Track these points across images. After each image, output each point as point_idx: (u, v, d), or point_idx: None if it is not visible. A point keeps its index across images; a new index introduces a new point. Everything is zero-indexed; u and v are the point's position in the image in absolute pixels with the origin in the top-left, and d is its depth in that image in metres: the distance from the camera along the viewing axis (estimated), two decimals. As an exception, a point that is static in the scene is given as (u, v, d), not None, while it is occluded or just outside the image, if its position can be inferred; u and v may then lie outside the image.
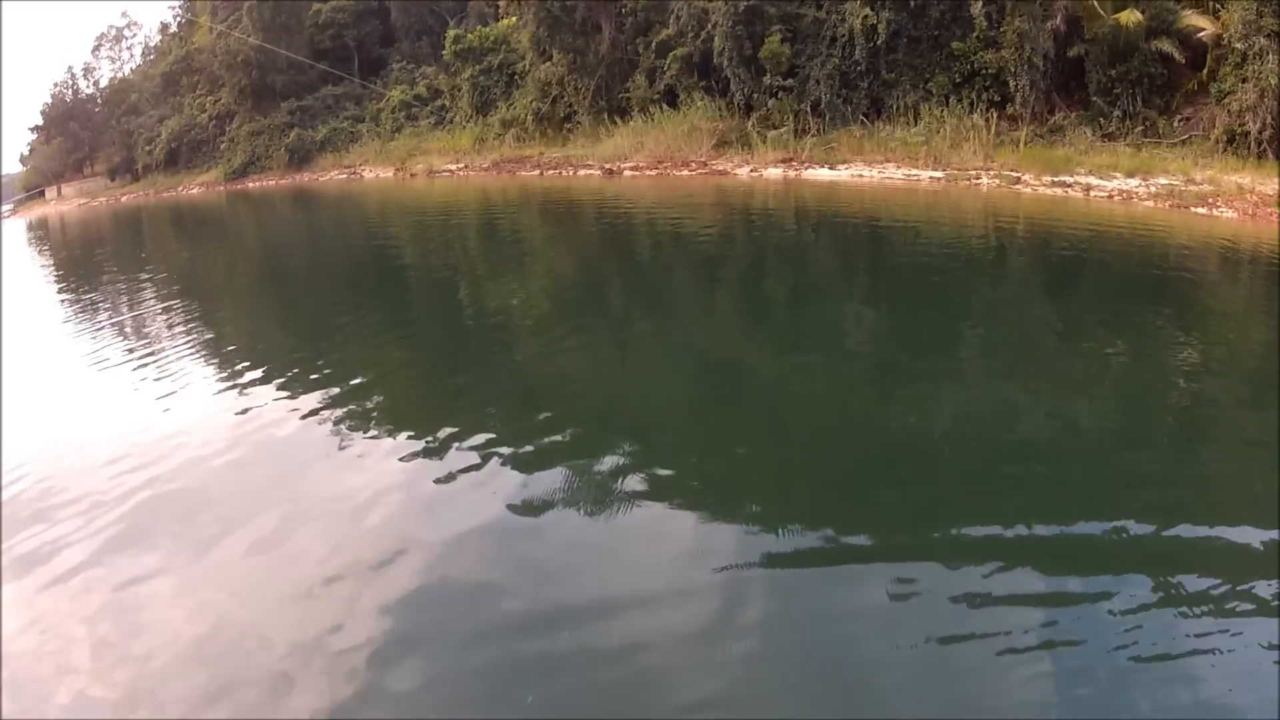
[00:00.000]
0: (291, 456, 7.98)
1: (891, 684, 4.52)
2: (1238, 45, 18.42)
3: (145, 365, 11.58)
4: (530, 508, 6.52)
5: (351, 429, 8.43)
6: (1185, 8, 20.58)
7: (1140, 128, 20.75)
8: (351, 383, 9.93)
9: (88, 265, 27.33)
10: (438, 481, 7.10)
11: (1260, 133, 18.00)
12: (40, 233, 48.36)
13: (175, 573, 6.08)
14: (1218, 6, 19.80)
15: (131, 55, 72.79)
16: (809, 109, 26.02)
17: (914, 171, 22.81)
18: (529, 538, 6.21)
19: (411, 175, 39.44)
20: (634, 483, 6.83)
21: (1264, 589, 4.95)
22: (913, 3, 23.98)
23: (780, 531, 5.96)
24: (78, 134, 68.77)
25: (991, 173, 21.36)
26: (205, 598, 5.71)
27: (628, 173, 29.37)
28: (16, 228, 56.53)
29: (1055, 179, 20.01)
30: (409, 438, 8.06)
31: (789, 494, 6.64)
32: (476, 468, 7.22)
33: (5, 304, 19.77)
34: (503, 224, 24.48)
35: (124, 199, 58.89)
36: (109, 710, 4.76)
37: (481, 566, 5.86)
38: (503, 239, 21.59)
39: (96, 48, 72.40)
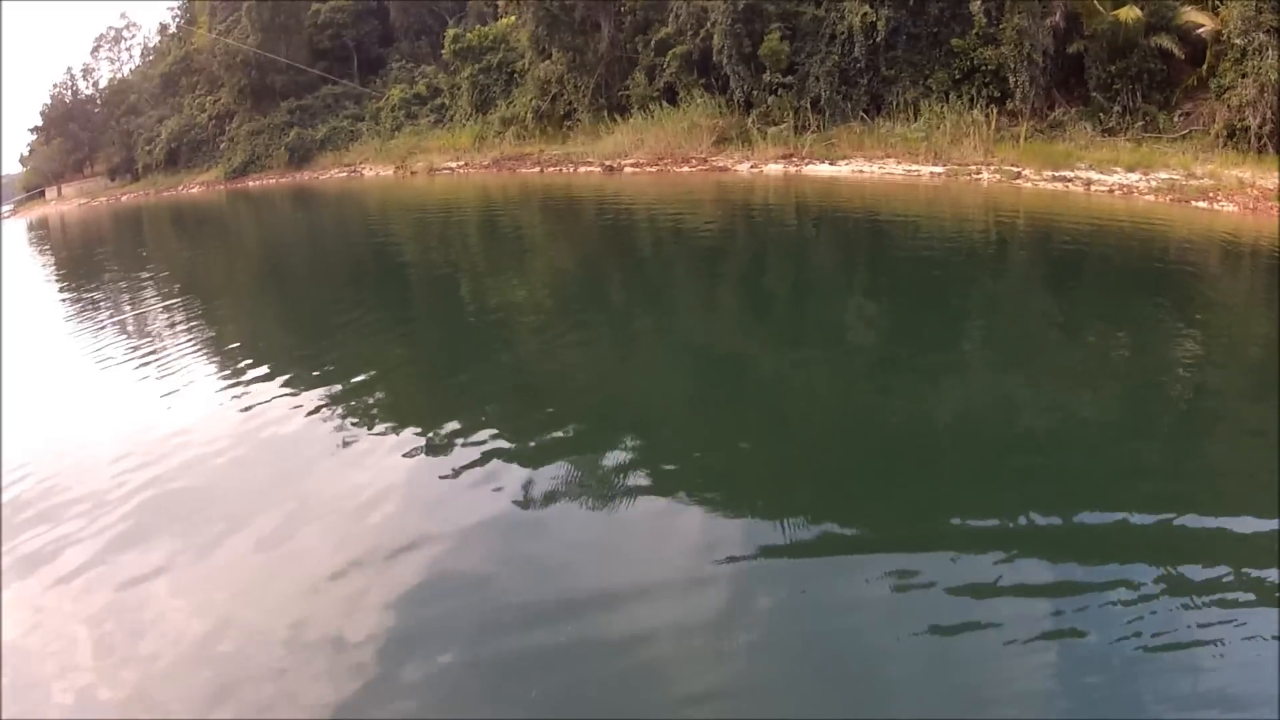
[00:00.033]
0: (294, 454, 7.99)
1: (896, 675, 4.54)
2: (1237, 41, 18.43)
3: (147, 364, 11.59)
4: (534, 503, 6.54)
5: (354, 426, 8.45)
6: (1184, 4, 20.57)
7: (1140, 123, 20.76)
8: (354, 380, 9.93)
9: (89, 264, 27.34)
10: (441, 478, 7.11)
11: (1260, 127, 18.01)
12: (41, 233, 48.36)
13: (178, 571, 6.09)
14: (1217, 2, 19.78)
15: (131, 56, 72.72)
16: (809, 105, 26.01)
17: (914, 167, 22.81)
18: (532, 533, 6.23)
19: (412, 173, 39.43)
20: (636, 477, 6.85)
21: (1268, 579, 4.96)
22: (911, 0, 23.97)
23: (783, 524, 5.96)
24: (77, 134, 68.69)
25: (992, 168, 21.37)
26: (209, 596, 5.72)
27: (628, 169, 29.37)
28: (17, 228, 56.53)
29: (1056, 174, 20.01)
30: (412, 434, 8.08)
31: (792, 487, 6.65)
32: (479, 463, 7.23)
33: (8, 303, 19.79)
34: (503, 221, 24.48)
35: (124, 199, 58.85)
36: (113, 711, 4.76)
37: (486, 562, 5.87)
38: (504, 236, 21.60)
39: (95, 49, 72.30)
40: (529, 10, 32.40)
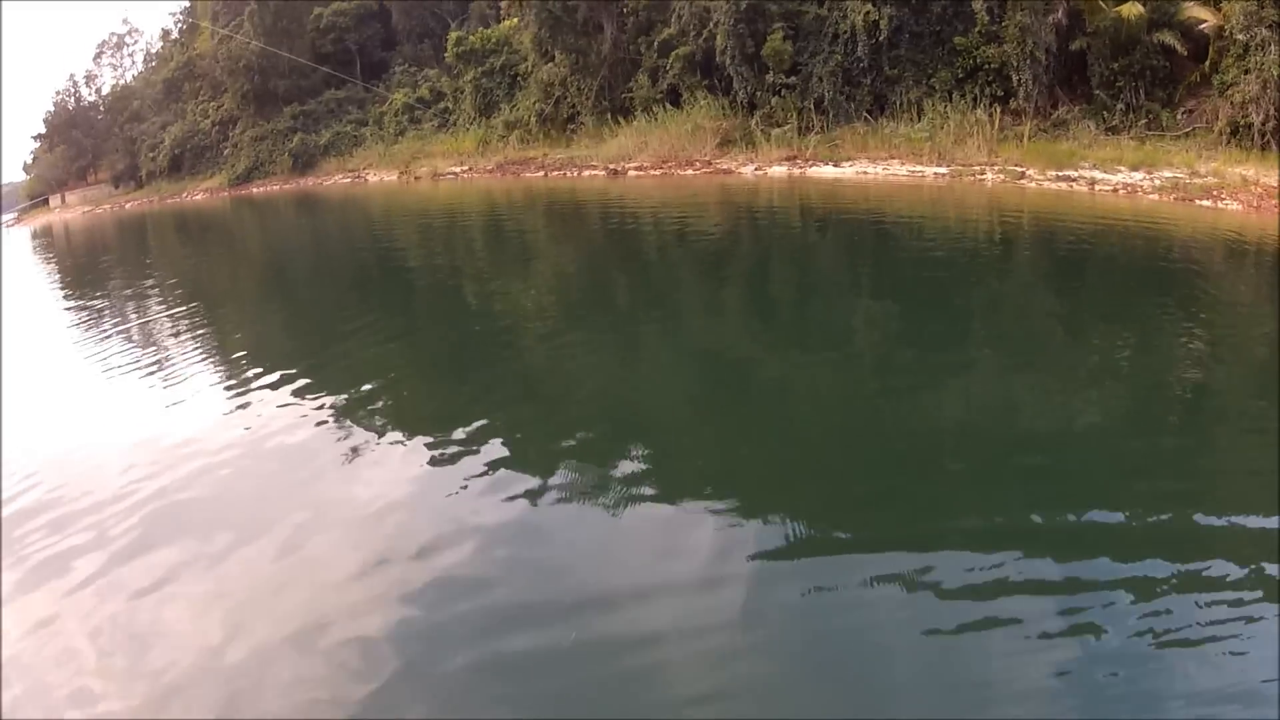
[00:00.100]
0: (303, 463, 7.99)
1: (903, 674, 4.56)
2: (1239, 37, 18.40)
3: (154, 372, 11.65)
4: (542, 507, 6.57)
5: (362, 434, 8.45)
6: (1186, 0, 20.55)
7: (1144, 121, 20.75)
8: (361, 387, 9.96)
9: (93, 272, 27.42)
10: (449, 484, 7.13)
11: (1264, 124, 17.98)
12: (45, 240, 48.53)
13: (187, 581, 6.09)
14: (1219, -2, 19.80)
15: (133, 62, 73.04)
16: (812, 106, 26.03)
17: (918, 168, 22.82)
18: (541, 537, 6.25)
19: (415, 178, 39.48)
20: (643, 480, 6.89)
21: (1276, 575, 4.98)
22: (914, -1, 24.02)
23: (790, 525, 5.99)
24: (81, 142, 68.92)
25: (996, 168, 21.37)
26: (218, 605, 5.73)
27: (632, 173, 29.40)
28: (21, 235, 56.74)
29: (1060, 173, 20.01)
30: (420, 441, 8.10)
31: (798, 488, 6.68)
32: (487, 469, 7.26)
33: (13, 312, 19.86)
34: (508, 226, 24.51)
35: (128, 206, 59.03)
36: (123, 716, 4.78)
37: (495, 566, 5.89)
38: (509, 241, 21.63)
39: (98, 55, 72.53)
40: (531, 12, 32.46)
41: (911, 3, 24.06)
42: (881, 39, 24.37)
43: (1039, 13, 21.73)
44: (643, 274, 15.73)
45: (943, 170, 22.25)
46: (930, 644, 4.71)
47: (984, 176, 21.31)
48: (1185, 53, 20.29)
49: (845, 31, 25.01)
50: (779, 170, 25.55)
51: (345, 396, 9.65)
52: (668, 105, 29.82)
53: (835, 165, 24.57)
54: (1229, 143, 18.68)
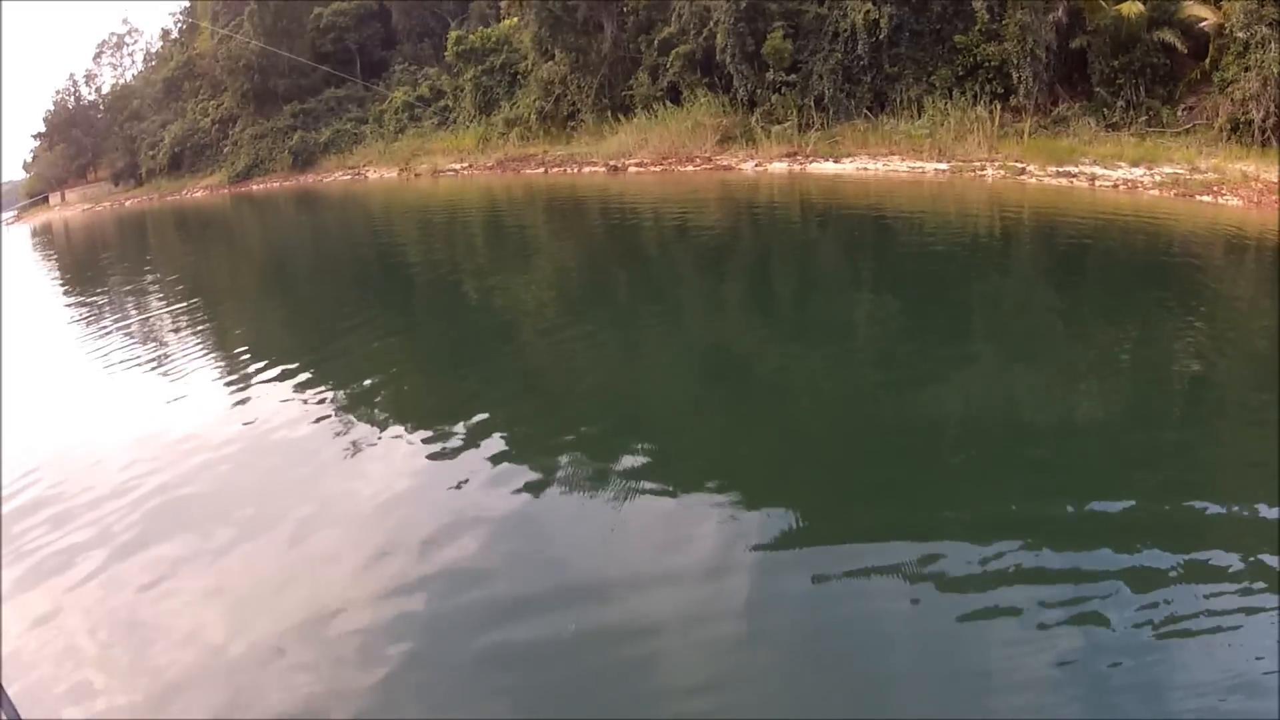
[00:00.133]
0: (303, 458, 8.02)
1: (905, 662, 4.58)
2: (1240, 34, 18.41)
3: (155, 369, 11.69)
4: (545, 500, 6.61)
5: (363, 429, 8.48)
6: (1186, -2, 20.59)
7: (1144, 117, 20.74)
8: (362, 383, 9.98)
9: (94, 269, 27.44)
10: (451, 478, 7.16)
11: (1264, 121, 17.99)
12: (45, 238, 48.51)
13: (189, 577, 6.11)
14: (1218, -4, 19.81)
15: (133, 61, 72.90)
16: (812, 103, 26.03)
17: (918, 164, 22.81)
18: (543, 529, 6.27)
19: (416, 175, 39.46)
20: (645, 472, 6.91)
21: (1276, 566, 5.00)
22: (914, -3, 24.03)
23: (794, 515, 6.01)
24: (81, 140, 68.83)
25: (996, 164, 21.37)
26: (220, 601, 5.75)
27: (632, 169, 29.40)
28: (21, 233, 56.71)
29: (1060, 169, 20.02)
30: (421, 435, 8.13)
31: (800, 479, 6.70)
32: (488, 463, 7.28)
33: (13, 309, 19.86)
34: (508, 222, 24.53)
35: (128, 203, 58.97)
36: (125, 713, 4.78)
37: (497, 559, 5.92)
38: (509, 237, 21.64)
39: (98, 55, 72.39)
40: (531, 11, 32.44)
41: (911, 1, 24.05)
42: (882, 37, 24.36)
43: (1039, 11, 21.74)
44: (643, 269, 15.75)
45: (943, 166, 22.24)
46: (931, 633, 4.73)
47: (984, 172, 21.31)
48: (1185, 50, 20.28)
49: (845, 30, 25.01)
50: (779, 166, 25.54)
51: (346, 391, 9.67)
52: (668, 103, 29.80)
53: (835, 161, 24.57)
54: (1229, 139, 18.69)
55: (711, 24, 27.28)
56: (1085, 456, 6.60)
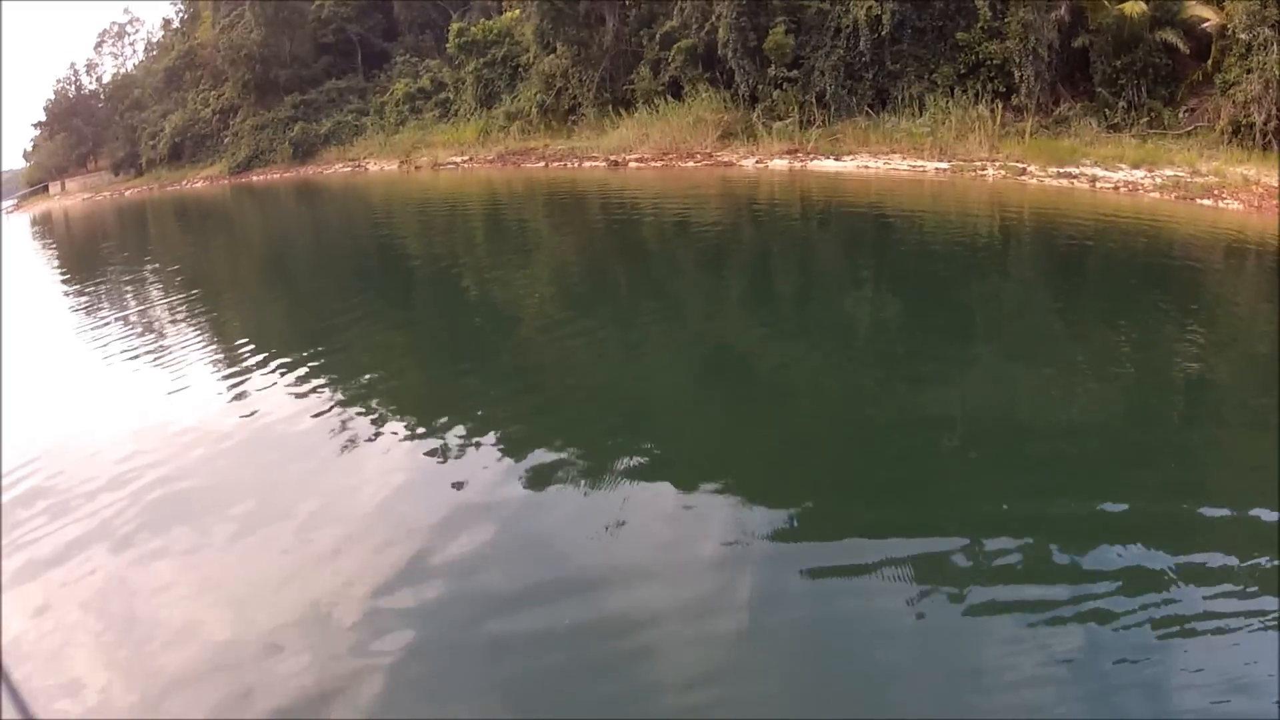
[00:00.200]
0: (303, 452, 8.00)
1: (906, 658, 4.59)
2: (1242, 36, 18.41)
3: (153, 360, 11.66)
4: (545, 494, 6.61)
5: (362, 422, 8.47)
6: (1189, -1, 20.57)
7: (1145, 119, 20.74)
8: (362, 376, 9.98)
9: (93, 259, 27.37)
10: (449, 472, 7.16)
11: (1265, 124, 18.00)
12: (45, 227, 48.43)
13: (187, 571, 6.10)
14: (1222, -3, 19.79)
15: (134, 51, 72.53)
16: (814, 100, 26.02)
17: (919, 162, 22.81)
18: (543, 524, 6.28)
19: (416, 168, 39.42)
20: (644, 467, 6.92)
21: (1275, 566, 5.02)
22: (917, -6, 23.99)
23: (791, 511, 6.04)
24: (81, 129, 68.66)
25: (997, 164, 21.36)
26: (218, 595, 5.74)
27: (633, 164, 29.37)
28: (21, 222, 56.63)
29: (1061, 170, 20.02)
30: (420, 429, 8.13)
31: (800, 476, 6.71)
32: (487, 458, 7.31)
33: (12, 298, 19.84)
34: (508, 216, 24.52)
35: (128, 193, 58.82)
36: (122, 713, 4.77)
37: (495, 554, 5.91)
38: (509, 231, 21.64)
39: (99, 44, 72.21)
40: (533, 4, 32.44)
41: (914, -2, 24.06)
42: (884, 34, 24.33)
43: (1041, 9, 21.73)
44: (643, 265, 15.75)
45: (944, 165, 22.23)
46: (931, 630, 4.74)
47: (985, 172, 21.31)
48: (1188, 51, 20.27)
49: (848, 26, 24.98)
50: (780, 164, 25.52)
51: (346, 385, 9.66)
52: (669, 97, 29.74)
53: (836, 159, 24.56)
54: (1230, 142, 18.69)
55: (713, 19, 27.27)
56: (1085, 456, 6.62)
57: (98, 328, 14.49)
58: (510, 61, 36.99)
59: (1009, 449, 6.90)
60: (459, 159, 37.80)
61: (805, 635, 4.83)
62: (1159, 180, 18.12)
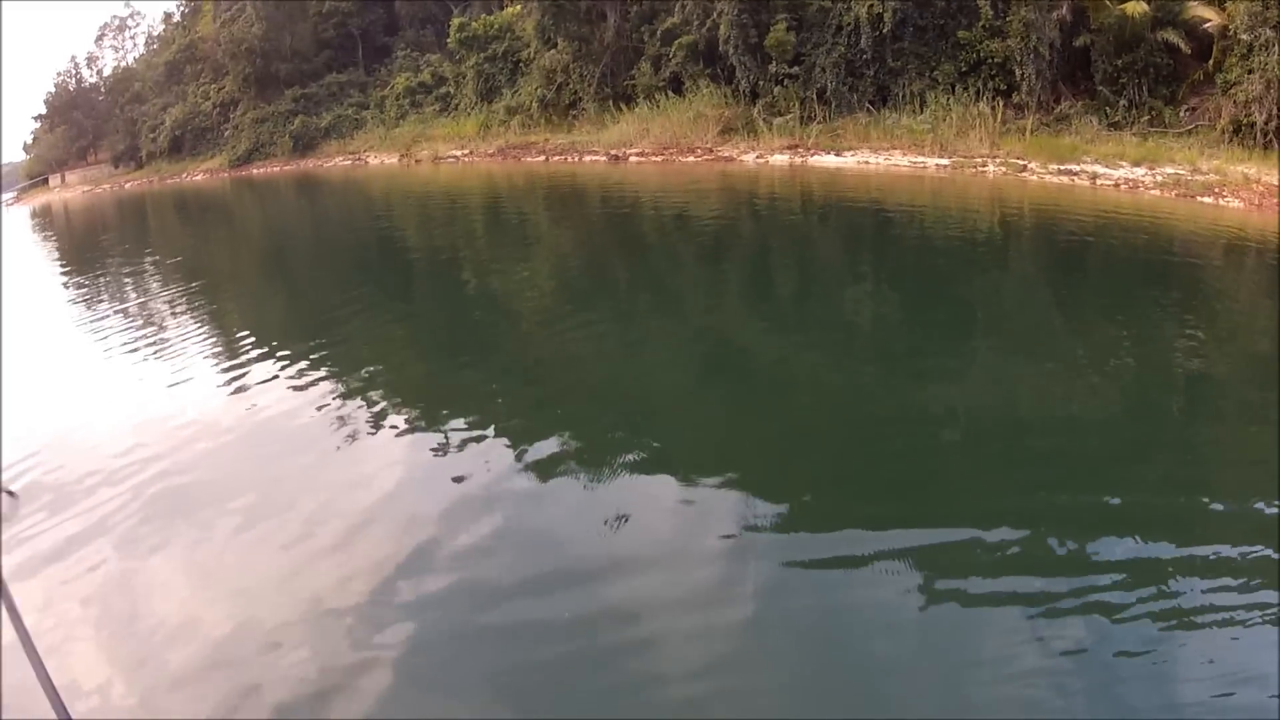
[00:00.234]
0: (304, 445, 8.02)
1: (907, 651, 4.61)
2: (1244, 36, 18.40)
3: (153, 353, 11.68)
4: (546, 487, 6.63)
5: (364, 416, 8.49)
6: (1191, -1, 20.56)
7: (1146, 117, 20.72)
8: (362, 369, 10.01)
9: (93, 251, 27.35)
10: (450, 465, 7.18)
11: (1266, 123, 17.99)
12: (44, 219, 48.39)
13: (188, 565, 6.12)
14: (1223, -3, 19.78)
15: (135, 44, 72.44)
16: (815, 96, 25.99)
17: (920, 159, 22.78)
18: (543, 517, 6.29)
19: (416, 161, 39.36)
20: (644, 461, 6.93)
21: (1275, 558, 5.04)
22: (918, -8, 23.97)
23: (792, 504, 6.07)
24: (81, 122, 68.56)
25: (998, 160, 21.34)
26: (219, 589, 5.75)
27: (633, 159, 29.33)
28: (21, 214, 56.57)
29: (1061, 167, 20.00)
30: (422, 422, 8.17)
31: (800, 469, 6.72)
32: (488, 451, 7.32)
33: (12, 291, 19.83)
34: (508, 209, 24.50)
35: (128, 186, 58.79)
36: (123, 713, 4.76)
37: (494, 546, 5.94)
38: (509, 224, 21.62)
39: (100, 37, 71.96)
40: (535, 0, 32.37)
41: (915, -4, 24.04)
42: (885, 31, 24.29)
43: (1043, 9, 21.70)
44: (643, 259, 15.74)
45: (944, 162, 22.21)
46: (933, 622, 4.76)
47: (985, 169, 21.29)
48: (1189, 51, 20.25)
49: (849, 23, 24.95)
50: (780, 159, 25.50)
51: (347, 379, 9.68)
52: (670, 93, 29.71)
53: (837, 155, 24.54)
54: (1231, 141, 18.68)
55: (715, 15, 27.24)
56: (1086, 450, 6.63)
57: (98, 320, 14.49)
58: (511, 56, 36.96)
59: (1010, 443, 6.92)
60: (459, 153, 37.74)
61: (806, 628, 4.84)
62: (1160, 178, 18.11)
